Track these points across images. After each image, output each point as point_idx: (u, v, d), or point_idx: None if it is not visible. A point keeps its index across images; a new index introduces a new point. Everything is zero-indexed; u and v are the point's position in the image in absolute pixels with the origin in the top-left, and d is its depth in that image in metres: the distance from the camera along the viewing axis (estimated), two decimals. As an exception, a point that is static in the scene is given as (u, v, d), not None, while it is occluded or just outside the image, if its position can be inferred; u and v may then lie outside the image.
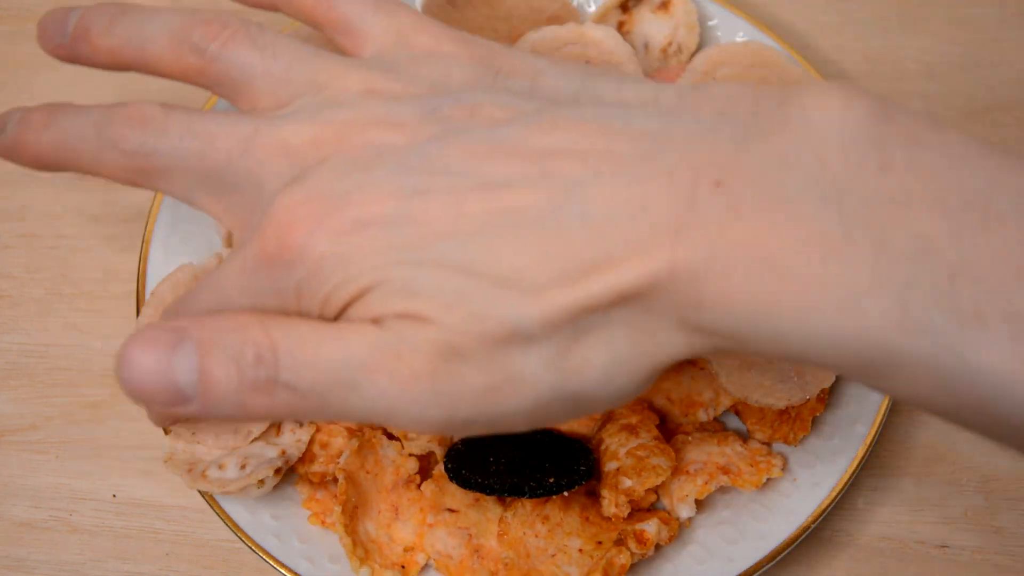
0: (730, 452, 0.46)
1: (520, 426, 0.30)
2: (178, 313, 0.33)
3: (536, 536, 0.44)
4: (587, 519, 0.45)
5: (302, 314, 0.30)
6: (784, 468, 0.46)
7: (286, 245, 0.28)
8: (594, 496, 0.46)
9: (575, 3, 0.55)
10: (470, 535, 0.45)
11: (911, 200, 0.25)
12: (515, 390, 0.28)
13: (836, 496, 0.44)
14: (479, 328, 0.28)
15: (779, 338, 0.26)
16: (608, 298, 0.27)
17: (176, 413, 0.30)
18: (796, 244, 0.25)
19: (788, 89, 0.27)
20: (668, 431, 0.47)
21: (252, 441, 0.45)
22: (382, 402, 0.28)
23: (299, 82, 0.32)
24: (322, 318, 0.30)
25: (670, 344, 0.28)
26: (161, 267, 0.49)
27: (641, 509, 0.46)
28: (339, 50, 0.35)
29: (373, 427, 0.46)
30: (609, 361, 0.28)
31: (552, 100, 0.31)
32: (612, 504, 0.44)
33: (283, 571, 0.44)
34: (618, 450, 0.44)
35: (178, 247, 0.50)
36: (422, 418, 0.29)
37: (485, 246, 0.27)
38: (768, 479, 0.45)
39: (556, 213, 0.27)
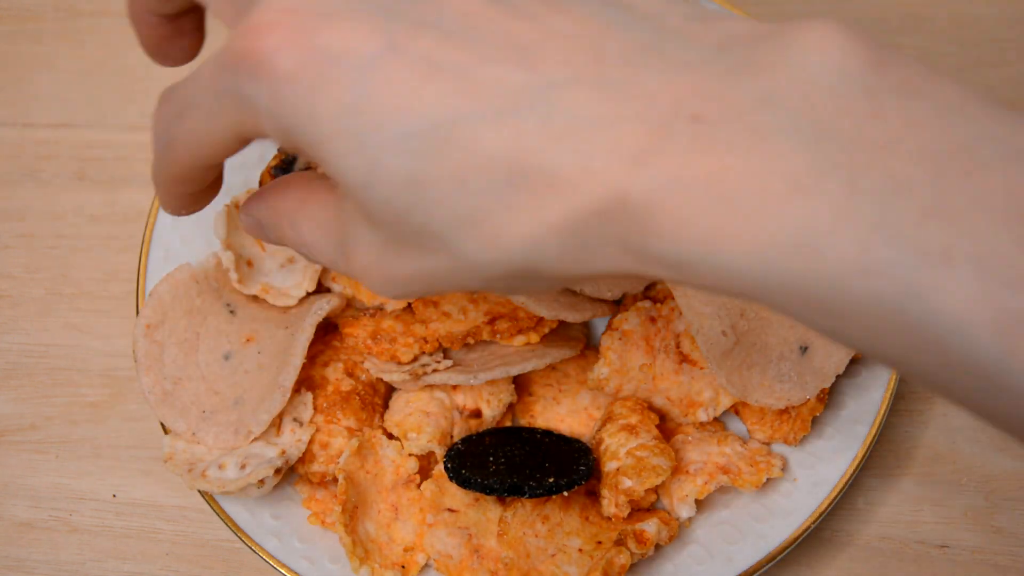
0: (730, 452, 0.46)
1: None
2: (164, 98, 0.33)
3: (536, 536, 0.44)
4: (587, 519, 0.45)
5: (260, 130, 0.30)
6: (784, 468, 0.46)
7: (254, 50, 0.28)
8: (594, 496, 0.46)
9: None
10: (470, 535, 0.45)
11: (896, 145, 0.24)
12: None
13: (836, 496, 0.44)
14: (426, 239, 0.28)
15: (729, 274, 0.25)
16: (556, 224, 0.26)
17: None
18: (761, 181, 0.24)
19: (789, 27, 0.27)
20: (668, 431, 0.47)
21: (252, 441, 0.45)
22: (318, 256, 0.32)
23: None
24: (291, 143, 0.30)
25: (608, 261, 0.27)
26: (161, 267, 0.49)
27: (641, 509, 0.46)
28: None
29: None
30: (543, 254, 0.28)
31: None
32: (612, 504, 0.44)
33: (283, 571, 0.44)
34: (618, 450, 0.44)
35: (178, 247, 0.50)
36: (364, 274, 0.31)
37: (438, 141, 0.26)
38: (768, 479, 0.45)
39: (522, 112, 0.26)
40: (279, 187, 0.34)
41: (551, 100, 0.26)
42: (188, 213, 0.37)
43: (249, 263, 0.49)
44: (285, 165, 0.49)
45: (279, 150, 0.49)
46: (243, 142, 0.32)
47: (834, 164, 0.24)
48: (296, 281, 0.49)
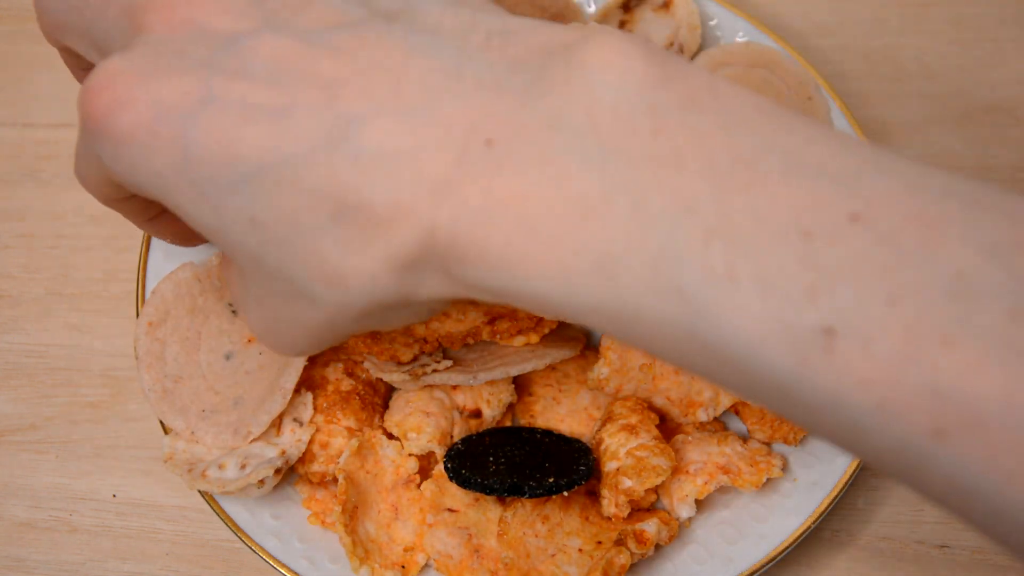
0: (730, 452, 0.46)
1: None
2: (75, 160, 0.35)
3: (536, 536, 0.44)
4: (587, 519, 0.45)
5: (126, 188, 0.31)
6: (784, 468, 0.46)
7: (90, 114, 0.29)
8: (594, 496, 0.46)
9: (575, 2, 0.55)
10: (470, 535, 0.45)
11: (680, 162, 0.25)
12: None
13: (836, 496, 0.44)
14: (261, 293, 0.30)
15: (541, 298, 0.26)
16: (386, 260, 0.27)
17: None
18: (556, 206, 0.25)
19: (577, 43, 0.27)
20: (668, 431, 0.47)
21: (252, 441, 0.45)
22: None
23: None
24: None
25: (444, 288, 0.28)
26: (161, 267, 0.49)
27: (641, 509, 0.46)
28: None
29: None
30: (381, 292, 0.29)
31: (377, 12, 0.30)
32: (612, 504, 0.44)
33: (283, 571, 0.44)
34: (618, 450, 0.44)
35: (178, 247, 0.50)
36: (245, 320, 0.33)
37: (268, 184, 0.27)
38: (768, 479, 0.45)
39: (333, 148, 0.27)
40: None
41: (358, 134, 0.27)
42: (186, 245, 0.40)
43: None
44: None
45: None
46: (122, 190, 0.33)
47: (621, 185, 0.25)
48: None
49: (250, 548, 0.45)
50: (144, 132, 0.28)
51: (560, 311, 0.26)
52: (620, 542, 0.43)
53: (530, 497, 0.43)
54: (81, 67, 0.38)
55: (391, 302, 0.28)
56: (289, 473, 0.46)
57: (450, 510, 0.45)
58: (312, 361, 0.48)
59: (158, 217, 0.38)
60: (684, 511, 0.45)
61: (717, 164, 0.24)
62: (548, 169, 0.25)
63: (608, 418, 0.46)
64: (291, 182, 0.27)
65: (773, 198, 0.24)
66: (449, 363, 0.47)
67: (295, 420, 0.46)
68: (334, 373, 0.48)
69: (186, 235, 0.40)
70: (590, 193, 0.25)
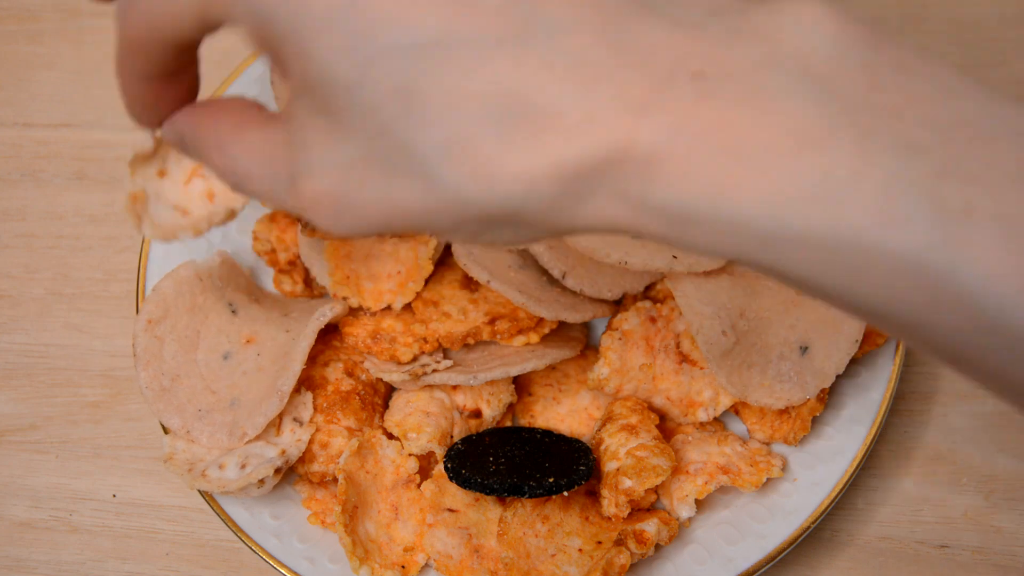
0: (730, 452, 0.46)
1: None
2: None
3: (536, 536, 0.44)
4: (587, 519, 0.45)
5: (228, 13, 0.28)
6: (784, 468, 0.46)
7: None
8: (594, 496, 0.46)
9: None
10: (470, 535, 0.45)
11: (900, 114, 0.24)
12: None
13: (836, 496, 0.44)
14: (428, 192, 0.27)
15: (735, 226, 0.25)
16: (554, 167, 0.26)
17: None
18: (771, 133, 0.24)
19: (776, 1, 0.27)
20: (668, 431, 0.47)
21: (248, 442, 0.45)
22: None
23: None
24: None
25: (601, 212, 0.27)
26: (161, 267, 0.49)
27: (641, 509, 0.46)
28: None
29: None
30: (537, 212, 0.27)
31: None
32: (612, 504, 0.44)
33: (283, 571, 0.44)
34: (618, 450, 0.44)
35: (178, 248, 0.50)
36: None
37: (436, 59, 0.26)
38: (768, 479, 0.45)
39: (524, 46, 0.26)
40: (210, 109, 0.32)
41: (553, 39, 0.26)
42: (151, 121, 0.34)
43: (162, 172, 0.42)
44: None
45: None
46: (205, 25, 0.29)
47: (842, 123, 0.24)
48: (198, 192, 0.42)
49: (250, 548, 0.45)
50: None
51: (754, 243, 0.25)
52: (620, 542, 0.43)
53: (530, 497, 0.43)
54: (148, 76, 0.32)
55: (527, 213, 0.27)
56: (289, 473, 0.46)
57: (450, 510, 0.45)
58: (312, 361, 0.48)
59: (160, 78, 0.32)
60: (684, 511, 0.45)
61: (938, 121, 0.24)
62: (763, 103, 0.25)
63: (608, 418, 0.46)
64: (466, 66, 0.26)
65: (1001, 152, 0.24)
66: (449, 363, 0.47)
67: (295, 420, 0.46)
68: (334, 373, 0.48)
69: (164, 109, 0.34)
70: (809, 126, 0.24)
